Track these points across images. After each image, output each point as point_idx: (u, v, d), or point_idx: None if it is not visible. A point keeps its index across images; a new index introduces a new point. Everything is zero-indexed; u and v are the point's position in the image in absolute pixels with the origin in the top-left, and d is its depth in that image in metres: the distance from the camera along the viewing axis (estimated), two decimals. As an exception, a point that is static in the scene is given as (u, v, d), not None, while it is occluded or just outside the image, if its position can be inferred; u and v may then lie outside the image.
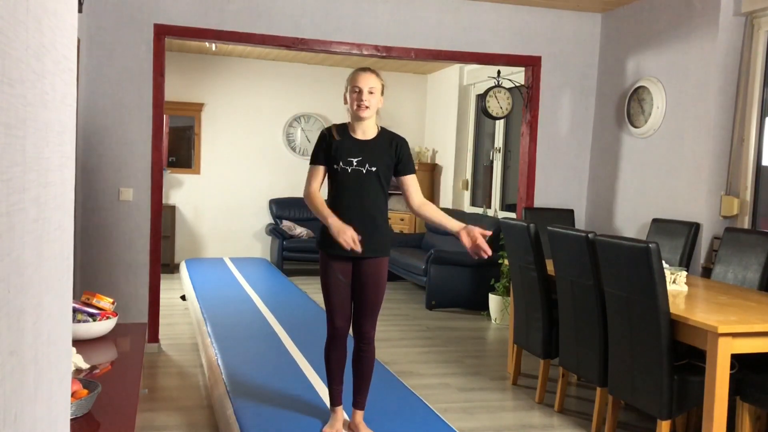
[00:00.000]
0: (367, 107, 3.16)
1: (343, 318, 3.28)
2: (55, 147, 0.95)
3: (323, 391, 3.81)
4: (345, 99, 3.25)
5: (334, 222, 3.13)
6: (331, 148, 3.22)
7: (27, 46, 0.76)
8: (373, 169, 3.21)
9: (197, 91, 8.84)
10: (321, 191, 3.32)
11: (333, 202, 3.26)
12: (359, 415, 3.35)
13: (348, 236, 3.07)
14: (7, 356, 0.71)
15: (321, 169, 3.29)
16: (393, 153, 3.26)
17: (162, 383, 4.40)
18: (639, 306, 3.26)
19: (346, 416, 3.45)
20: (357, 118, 3.20)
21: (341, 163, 3.20)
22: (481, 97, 6.07)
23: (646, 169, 5.32)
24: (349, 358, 3.38)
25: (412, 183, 3.36)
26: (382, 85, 3.24)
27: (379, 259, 3.25)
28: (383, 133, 3.30)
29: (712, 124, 4.66)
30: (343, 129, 3.28)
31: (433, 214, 3.36)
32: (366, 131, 3.24)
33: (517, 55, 5.78)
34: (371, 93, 3.17)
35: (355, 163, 3.19)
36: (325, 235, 3.24)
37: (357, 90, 3.16)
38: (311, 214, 9.06)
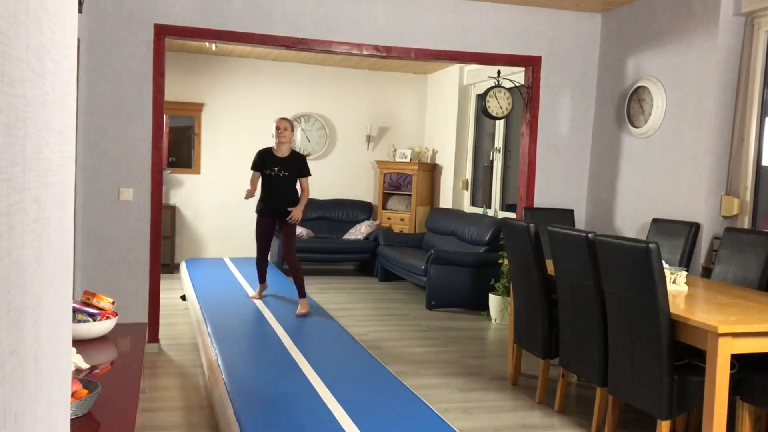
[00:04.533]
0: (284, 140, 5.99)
1: (263, 250, 6.13)
2: (55, 147, 0.95)
3: (323, 391, 3.82)
4: (273, 135, 5.96)
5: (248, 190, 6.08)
6: (264, 161, 6.01)
7: (27, 46, 0.77)
8: (286, 173, 5.96)
9: (197, 91, 8.84)
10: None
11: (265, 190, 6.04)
12: (301, 301, 5.95)
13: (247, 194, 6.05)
14: (7, 356, 0.71)
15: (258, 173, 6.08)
16: (296, 165, 5.98)
17: (162, 383, 4.40)
18: (639, 306, 3.26)
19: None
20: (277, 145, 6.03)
21: (268, 171, 5.99)
22: (481, 97, 6.07)
23: (646, 169, 5.32)
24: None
25: (303, 181, 6.05)
26: (292, 126, 6.06)
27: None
28: (291, 154, 6.05)
29: (712, 124, 4.66)
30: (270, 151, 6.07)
31: (302, 198, 6.00)
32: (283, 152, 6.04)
33: (517, 55, 5.78)
34: (285, 129, 5.94)
35: (276, 170, 5.95)
36: (262, 206, 6.02)
37: (278, 128, 5.97)
38: (311, 214, 9.16)
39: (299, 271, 5.95)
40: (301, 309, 5.86)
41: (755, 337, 3.02)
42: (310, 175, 6.03)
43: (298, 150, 5.68)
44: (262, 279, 6.40)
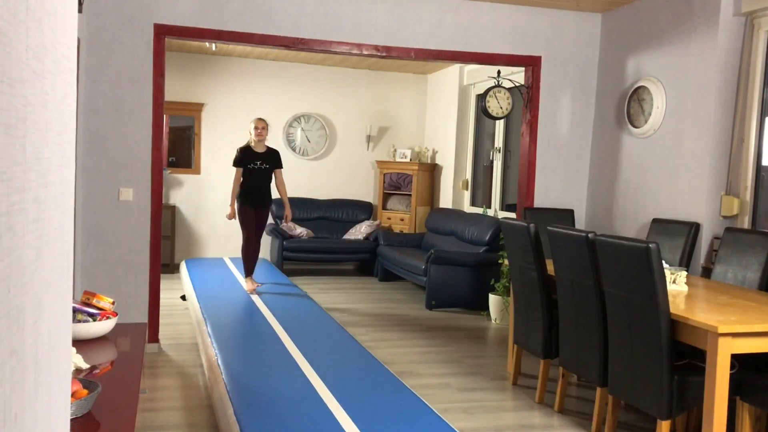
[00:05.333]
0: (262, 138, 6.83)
1: (251, 235, 6.74)
2: (55, 147, 0.95)
3: (323, 391, 3.82)
4: (250, 133, 6.81)
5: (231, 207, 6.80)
6: (246, 157, 6.75)
7: (27, 46, 0.77)
8: (267, 166, 6.77)
9: (197, 91, 8.84)
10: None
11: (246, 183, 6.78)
12: (250, 278, 6.83)
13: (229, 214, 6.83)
14: (7, 356, 0.71)
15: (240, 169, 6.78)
16: (274, 158, 6.84)
17: (162, 383, 4.40)
18: (639, 306, 3.26)
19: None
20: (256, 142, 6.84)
21: (251, 165, 6.74)
22: (481, 97, 6.07)
23: (646, 169, 5.32)
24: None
25: (278, 173, 6.91)
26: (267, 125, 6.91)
27: (266, 209, 6.84)
28: (268, 150, 6.90)
29: (712, 124, 4.66)
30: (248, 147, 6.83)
31: (281, 192, 6.95)
32: (261, 148, 6.84)
33: (517, 55, 5.78)
34: (263, 129, 6.77)
35: (258, 164, 6.74)
36: (245, 198, 6.71)
37: (257, 128, 6.77)
38: (311, 214, 9.17)
39: (258, 253, 6.99)
40: (252, 285, 6.79)
41: (755, 337, 3.02)
42: (283, 167, 6.98)
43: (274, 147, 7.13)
44: (250, 271, 6.84)
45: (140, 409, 2.39)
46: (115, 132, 5.01)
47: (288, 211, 6.96)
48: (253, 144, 6.78)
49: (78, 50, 4.25)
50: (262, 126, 6.76)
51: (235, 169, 6.73)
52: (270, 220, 9.09)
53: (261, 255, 9.14)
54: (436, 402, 4.05)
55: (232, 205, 6.74)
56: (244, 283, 6.88)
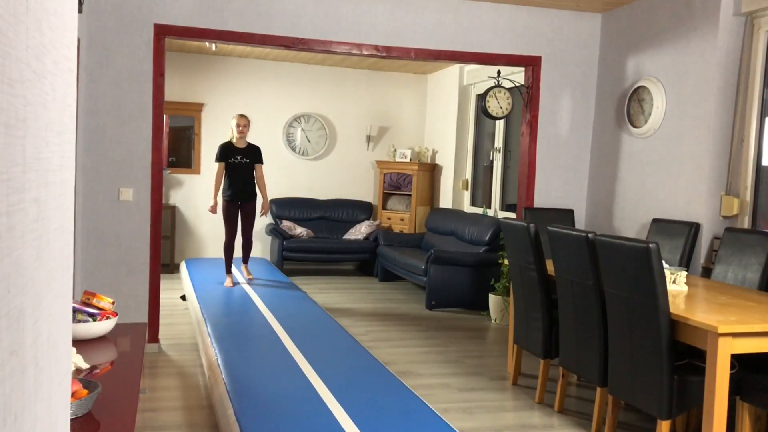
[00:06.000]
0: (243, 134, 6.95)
1: (233, 233, 6.96)
2: (55, 147, 0.95)
3: (323, 391, 3.82)
4: (231, 130, 6.96)
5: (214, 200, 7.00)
6: (227, 152, 6.92)
7: (27, 46, 0.76)
8: (248, 161, 6.94)
9: (197, 91, 8.84)
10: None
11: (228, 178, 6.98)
12: (244, 266, 7.27)
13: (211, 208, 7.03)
14: (7, 356, 0.71)
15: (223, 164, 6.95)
16: (254, 153, 6.99)
17: (162, 383, 4.40)
18: (639, 306, 3.26)
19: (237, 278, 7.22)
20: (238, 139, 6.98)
21: (232, 160, 6.90)
22: (481, 97, 6.07)
23: (646, 169, 5.32)
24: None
25: (258, 168, 7.03)
26: (249, 122, 7.06)
27: (251, 202, 6.97)
28: (249, 145, 7.03)
29: (712, 124, 4.66)
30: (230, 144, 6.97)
31: (260, 186, 7.06)
32: (243, 144, 6.98)
33: (517, 55, 5.78)
34: (245, 126, 6.92)
35: (239, 159, 6.91)
36: (229, 193, 6.92)
37: (239, 125, 6.90)
38: (311, 214, 9.18)
39: (252, 245, 7.30)
40: (248, 274, 7.28)
41: (755, 337, 3.02)
42: (263, 163, 7.15)
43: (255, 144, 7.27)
44: (230, 269, 7.07)
45: (140, 409, 2.39)
46: (115, 132, 5.01)
47: (266, 204, 7.08)
48: (234, 140, 6.95)
49: (78, 50, 4.25)
50: (243, 123, 6.92)
51: (217, 164, 6.96)
52: (270, 219, 9.12)
53: (261, 255, 9.19)
54: (436, 402, 4.05)
55: (214, 197, 6.94)
56: (227, 279, 7.01)
